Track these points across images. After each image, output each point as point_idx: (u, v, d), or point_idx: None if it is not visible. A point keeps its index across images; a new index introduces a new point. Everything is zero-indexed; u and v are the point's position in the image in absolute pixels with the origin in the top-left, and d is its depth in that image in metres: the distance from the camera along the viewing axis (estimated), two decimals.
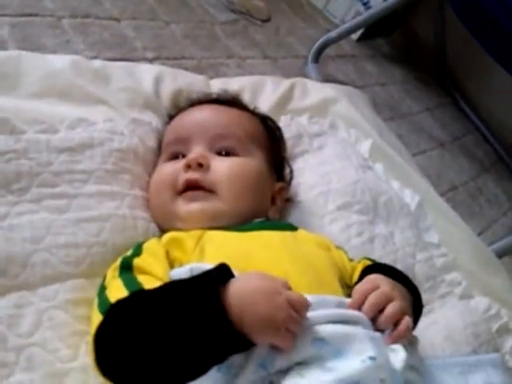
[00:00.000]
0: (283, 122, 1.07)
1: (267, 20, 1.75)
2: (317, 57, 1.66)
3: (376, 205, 0.99)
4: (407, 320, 0.61)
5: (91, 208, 0.71)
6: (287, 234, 0.76)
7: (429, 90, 2.13)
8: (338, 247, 0.82)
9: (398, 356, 0.57)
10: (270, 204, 0.84)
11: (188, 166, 0.76)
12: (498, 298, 1.03)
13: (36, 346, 0.59)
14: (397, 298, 0.63)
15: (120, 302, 0.57)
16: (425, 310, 0.90)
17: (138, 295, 0.58)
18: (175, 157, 0.81)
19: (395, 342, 0.59)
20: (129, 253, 0.67)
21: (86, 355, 0.61)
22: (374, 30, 2.09)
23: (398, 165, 1.23)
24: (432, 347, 0.84)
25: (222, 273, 0.55)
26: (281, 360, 0.53)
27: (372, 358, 0.54)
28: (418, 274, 0.94)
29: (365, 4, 1.97)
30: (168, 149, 0.83)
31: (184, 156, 0.79)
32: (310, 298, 0.56)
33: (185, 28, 1.43)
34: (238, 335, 0.51)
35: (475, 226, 1.50)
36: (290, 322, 0.53)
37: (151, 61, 1.24)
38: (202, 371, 0.52)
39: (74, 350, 0.61)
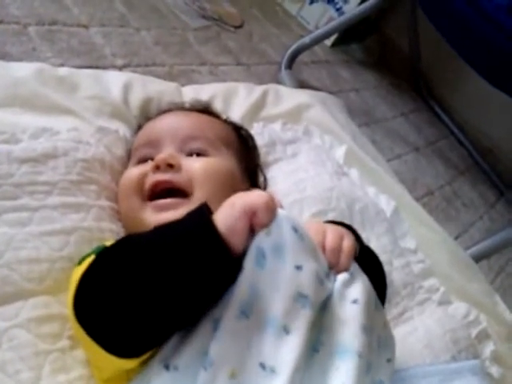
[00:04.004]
0: (256, 130, 1.05)
1: (240, 26, 1.74)
2: (290, 63, 1.65)
3: (351, 212, 0.98)
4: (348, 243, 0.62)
5: (55, 221, 0.68)
6: None
7: (403, 95, 2.13)
8: None
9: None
10: None
11: (157, 167, 0.72)
12: (477, 303, 1.02)
13: None
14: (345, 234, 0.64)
15: (117, 242, 0.57)
16: (403, 318, 0.90)
17: (135, 235, 0.58)
18: (144, 161, 0.78)
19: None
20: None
21: (49, 377, 0.58)
22: (348, 36, 2.09)
23: (373, 170, 1.21)
24: (412, 356, 0.83)
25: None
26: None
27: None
28: (395, 280, 0.92)
29: (338, 10, 1.98)
30: (137, 153, 0.80)
31: (153, 159, 0.75)
32: None
33: (156, 35, 1.40)
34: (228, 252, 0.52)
35: (452, 230, 1.50)
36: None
37: (121, 68, 1.21)
38: (199, 308, 0.52)
39: (36, 371, 0.58)
